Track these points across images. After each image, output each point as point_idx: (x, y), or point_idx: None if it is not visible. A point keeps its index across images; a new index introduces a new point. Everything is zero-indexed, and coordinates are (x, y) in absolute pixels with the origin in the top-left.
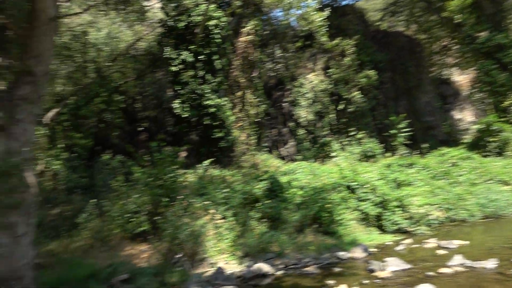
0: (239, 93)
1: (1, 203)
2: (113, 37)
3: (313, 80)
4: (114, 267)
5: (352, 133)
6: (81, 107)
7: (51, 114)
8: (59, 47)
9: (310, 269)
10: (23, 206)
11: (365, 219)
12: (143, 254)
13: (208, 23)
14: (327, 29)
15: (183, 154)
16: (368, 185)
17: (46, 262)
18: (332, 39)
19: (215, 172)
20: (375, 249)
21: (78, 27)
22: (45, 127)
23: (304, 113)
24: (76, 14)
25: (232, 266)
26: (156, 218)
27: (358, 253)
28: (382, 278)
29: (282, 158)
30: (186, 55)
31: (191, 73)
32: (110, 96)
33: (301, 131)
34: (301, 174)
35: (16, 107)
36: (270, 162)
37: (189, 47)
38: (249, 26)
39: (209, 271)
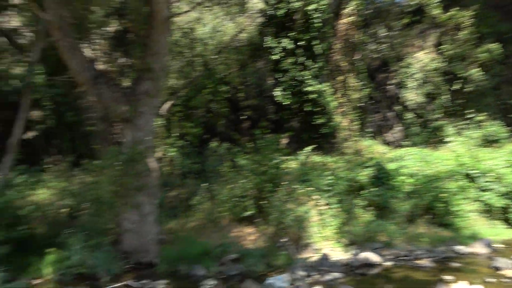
0: (341, 78)
1: (130, 185)
2: (217, 31)
3: (422, 59)
4: (225, 247)
5: (470, 116)
6: (191, 98)
7: (166, 106)
8: (171, 44)
9: (423, 262)
10: (148, 188)
11: (488, 211)
12: (249, 236)
13: (308, 8)
14: (440, 0)
15: (285, 141)
16: (492, 174)
17: (167, 239)
18: (446, 12)
19: (317, 158)
20: (501, 245)
21: (186, 24)
22: (162, 118)
23: (412, 96)
24: (185, 12)
25: (337, 254)
26: (261, 202)
27: (479, 248)
28: (511, 278)
29: (388, 144)
30: (286, 43)
31: (291, 60)
32: (216, 87)
33: (409, 115)
34: (411, 161)
35: (139, 101)
36: (374, 148)
37: (288, 34)
38: (350, 7)
39: (314, 256)
